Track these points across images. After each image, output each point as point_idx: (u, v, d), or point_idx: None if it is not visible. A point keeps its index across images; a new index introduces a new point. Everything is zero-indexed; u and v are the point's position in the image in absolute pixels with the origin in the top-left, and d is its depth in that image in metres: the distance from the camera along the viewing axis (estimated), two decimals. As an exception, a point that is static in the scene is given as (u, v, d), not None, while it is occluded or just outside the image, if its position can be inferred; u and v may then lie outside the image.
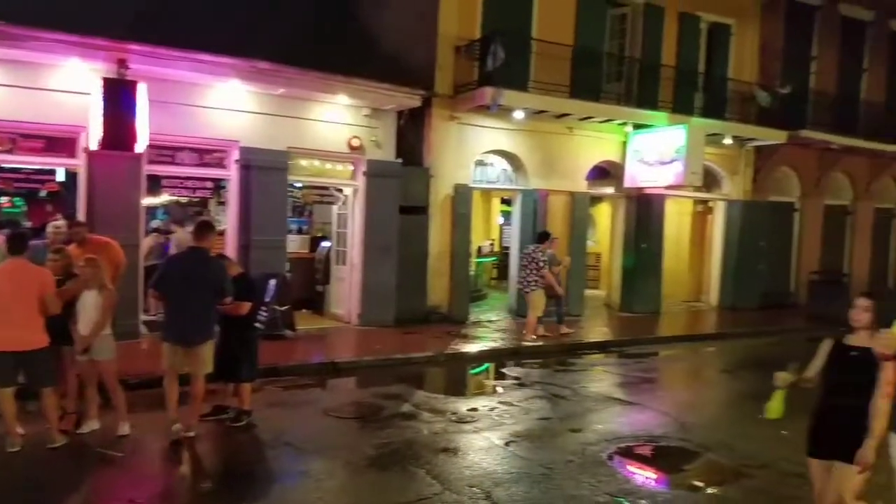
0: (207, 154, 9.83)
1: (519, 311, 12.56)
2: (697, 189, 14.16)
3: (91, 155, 8.53)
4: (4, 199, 12.33)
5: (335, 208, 11.63)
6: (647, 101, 13.11)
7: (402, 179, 11.10)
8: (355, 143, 10.67)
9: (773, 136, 14.37)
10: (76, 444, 5.52)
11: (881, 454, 3.78)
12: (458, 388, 8.84)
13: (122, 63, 8.13)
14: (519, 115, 11.70)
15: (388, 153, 11.07)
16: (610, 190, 14.30)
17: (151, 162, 9.20)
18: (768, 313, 14.59)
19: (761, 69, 15.12)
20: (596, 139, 13.25)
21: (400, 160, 11.16)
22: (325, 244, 11.98)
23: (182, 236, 10.17)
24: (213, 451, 5.88)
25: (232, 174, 9.91)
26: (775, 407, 3.94)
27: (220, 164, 9.95)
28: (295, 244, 12.12)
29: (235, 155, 9.78)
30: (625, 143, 13.45)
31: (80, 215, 8.48)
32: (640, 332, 11.98)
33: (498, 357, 9.75)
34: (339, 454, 5.66)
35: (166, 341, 5.81)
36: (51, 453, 5.29)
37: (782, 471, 5.47)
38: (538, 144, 12.55)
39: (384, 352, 9.34)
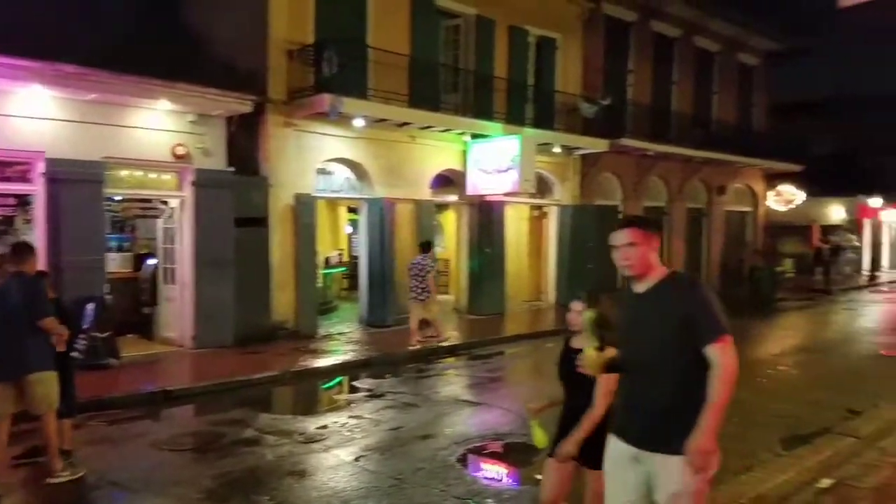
0: (7, 167, 8.75)
1: (370, 322, 12.43)
2: (532, 195, 14.89)
3: None
4: None
5: (160, 222, 10.77)
6: (484, 111, 13.55)
7: (236, 189, 10.54)
8: (180, 151, 9.97)
9: (597, 145, 15.44)
10: None
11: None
12: (306, 406, 8.50)
13: None
14: (359, 122, 11.57)
15: (218, 161, 10.47)
16: (454, 197, 14.60)
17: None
18: (601, 308, 15.58)
19: (585, 82, 16.19)
20: (438, 148, 13.47)
21: (233, 169, 10.60)
22: (151, 262, 11.04)
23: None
24: (27, 499, 5.15)
25: (38, 188, 8.86)
26: (539, 437, 3.71)
27: (23, 178, 8.89)
28: (115, 263, 11.06)
29: (41, 167, 8.77)
30: (465, 152, 13.81)
31: None
32: (486, 334, 12.30)
33: (349, 370, 9.53)
34: (172, 490, 5.18)
35: None
36: None
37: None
38: (381, 153, 12.51)
39: (223, 375, 8.76)
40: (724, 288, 19.60)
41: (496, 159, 13.31)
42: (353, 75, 11.17)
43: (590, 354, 3.01)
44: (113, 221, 11.62)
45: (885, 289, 22.44)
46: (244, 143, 10.92)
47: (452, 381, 9.32)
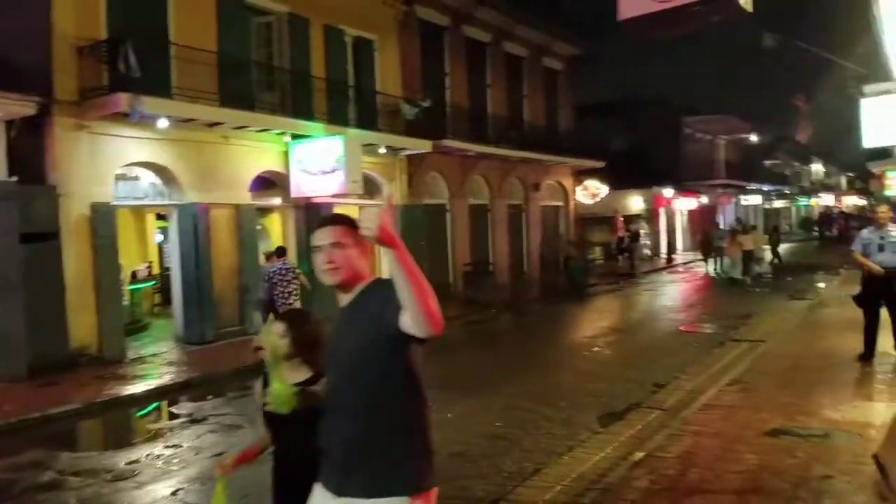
0: None
1: (187, 339, 11.54)
2: (360, 196, 14.70)
3: None
4: None
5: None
6: (303, 111, 13.15)
7: (20, 201, 9.27)
8: (-54, 160, 8.57)
9: (421, 146, 15.67)
10: None
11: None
12: (115, 440, 7.62)
13: None
14: (164, 123, 10.69)
15: (-3, 171, 9.15)
16: (277, 200, 14.03)
17: None
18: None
19: (404, 83, 16.36)
20: (256, 149, 12.84)
21: (15, 178, 9.31)
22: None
23: None
24: None
25: None
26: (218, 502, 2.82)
27: None
28: None
29: None
30: (286, 153, 13.31)
31: None
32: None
33: (166, 394, 8.72)
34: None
35: None
36: None
37: (449, 453, 5.75)
38: (191, 155, 11.66)
39: (14, 412, 7.63)
40: (543, 277, 20.85)
41: (320, 160, 12.98)
42: (154, 73, 10.30)
43: (276, 389, 2.55)
44: None
45: (680, 269, 25.14)
46: (28, 149, 9.65)
47: (283, 394, 8.87)
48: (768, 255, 23.97)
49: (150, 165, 11.32)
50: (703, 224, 31.92)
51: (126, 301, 11.87)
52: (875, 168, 27.95)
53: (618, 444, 5.64)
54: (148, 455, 6.34)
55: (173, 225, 11.92)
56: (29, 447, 6.63)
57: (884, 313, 7.68)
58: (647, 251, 28.00)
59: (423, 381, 2.25)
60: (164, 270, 15.57)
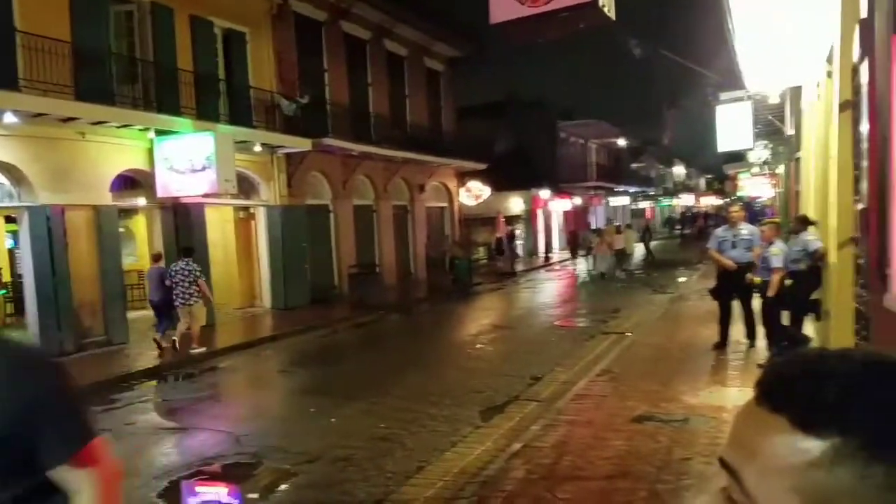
0: None
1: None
2: (235, 196, 14.13)
3: None
4: None
5: None
6: (169, 106, 12.45)
7: None
8: None
9: (300, 144, 15.26)
10: None
11: None
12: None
13: None
14: (10, 119, 9.75)
15: None
16: (142, 201, 13.18)
17: None
18: (317, 308, 15.52)
19: (280, 78, 15.87)
20: (117, 146, 11.99)
21: None
22: None
23: None
24: None
25: None
26: None
27: None
28: None
29: None
30: (151, 150, 12.52)
31: None
32: (171, 354, 11.29)
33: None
34: None
35: None
36: None
37: (331, 458, 5.68)
38: (44, 153, 10.70)
39: None
40: (430, 278, 21.01)
41: (189, 158, 12.30)
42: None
43: None
44: None
45: (556, 268, 26.20)
46: None
47: (152, 408, 8.34)
48: (639, 253, 25.55)
49: (-4, 163, 10.30)
50: (576, 224, 33.52)
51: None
52: (730, 171, 30.55)
53: (497, 437, 5.76)
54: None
55: (24, 229, 10.88)
56: None
57: (736, 305, 8.36)
58: (518, 252, 28.92)
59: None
60: (17, 277, 14.21)
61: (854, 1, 4.09)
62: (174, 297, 10.49)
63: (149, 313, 14.15)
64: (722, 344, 8.38)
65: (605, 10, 5.23)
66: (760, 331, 8.02)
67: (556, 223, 34.44)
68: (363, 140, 17.92)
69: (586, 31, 5.99)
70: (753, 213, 24.63)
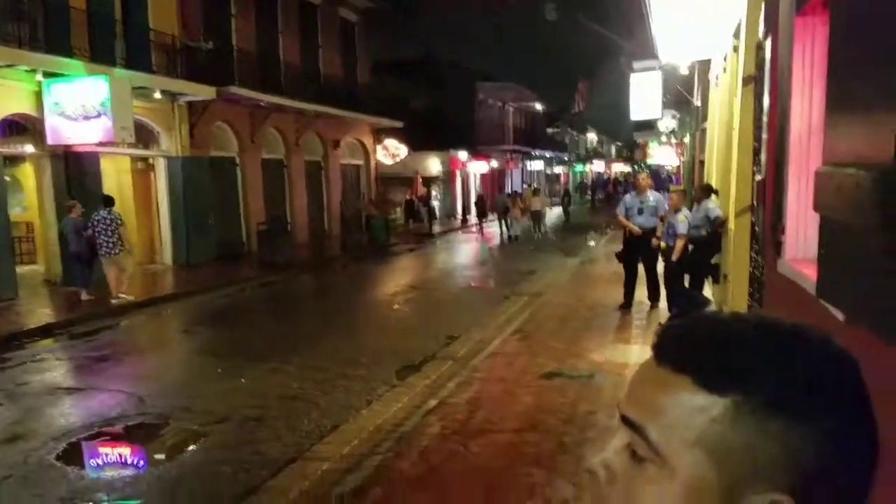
0: None
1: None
2: (132, 146, 13.36)
3: None
4: None
5: None
6: (59, 47, 11.47)
7: None
8: None
9: (203, 92, 14.47)
10: None
11: None
12: None
13: None
14: None
15: None
16: (29, 148, 12.22)
17: None
18: (224, 266, 15.03)
19: (182, 22, 14.90)
20: (1, 88, 11.01)
21: None
22: None
23: None
24: None
25: None
26: None
27: None
28: None
29: None
30: (40, 94, 11.59)
31: None
32: (90, 306, 10.75)
33: None
34: None
35: None
36: None
37: (241, 418, 5.59)
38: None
39: None
40: (345, 237, 20.77)
41: (82, 103, 11.51)
42: None
43: None
44: None
45: (473, 230, 26.49)
46: None
47: (48, 367, 7.87)
48: (554, 215, 26.21)
49: None
50: (493, 188, 33.90)
51: None
52: (639, 139, 31.67)
53: (413, 395, 5.83)
54: None
55: None
56: None
57: (641, 268, 8.78)
58: (436, 213, 28.91)
59: None
60: None
61: (763, -21, 4.26)
62: (98, 247, 10.40)
63: (38, 268, 13.41)
64: (627, 305, 8.80)
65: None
66: (663, 293, 8.46)
67: (474, 185, 34.72)
68: (273, 91, 17.21)
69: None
70: (660, 180, 25.71)
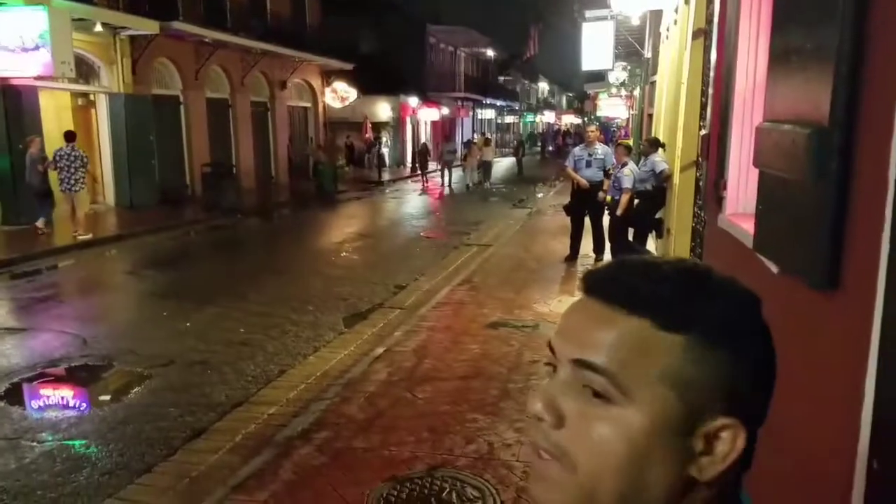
0: None
1: None
2: (72, 80, 12.72)
3: None
4: None
5: None
6: (-7, -29, 10.74)
7: None
8: None
9: (146, 26, 13.82)
10: None
11: None
12: None
13: None
14: None
15: None
16: (-39, 80, 11.50)
17: None
18: (168, 209, 14.61)
19: (127, -50, 14.11)
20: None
21: None
22: None
23: None
24: None
25: None
26: None
27: None
28: None
29: None
30: (-30, 22, 10.86)
31: None
32: (30, 247, 10.35)
33: None
34: None
35: None
36: None
37: (187, 362, 5.55)
38: None
39: None
40: (292, 182, 20.38)
41: (19, 34, 10.99)
42: None
43: None
44: None
45: (423, 179, 26.31)
46: None
47: (-16, 308, 7.63)
48: (504, 167, 26.16)
49: None
50: (443, 136, 33.58)
51: None
52: (590, 90, 31.67)
53: (360, 342, 5.89)
54: None
55: None
56: None
57: (587, 221, 8.92)
58: (385, 160, 28.50)
59: None
60: None
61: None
62: (60, 181, 10.57)
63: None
64: (572, 257, 8.98)
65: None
66: (608, 246, 8.64)
67: (424, 133, 34.35)
68: (217, 27, 16.50)
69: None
70: (609, 133, 25.95)
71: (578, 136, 40.00)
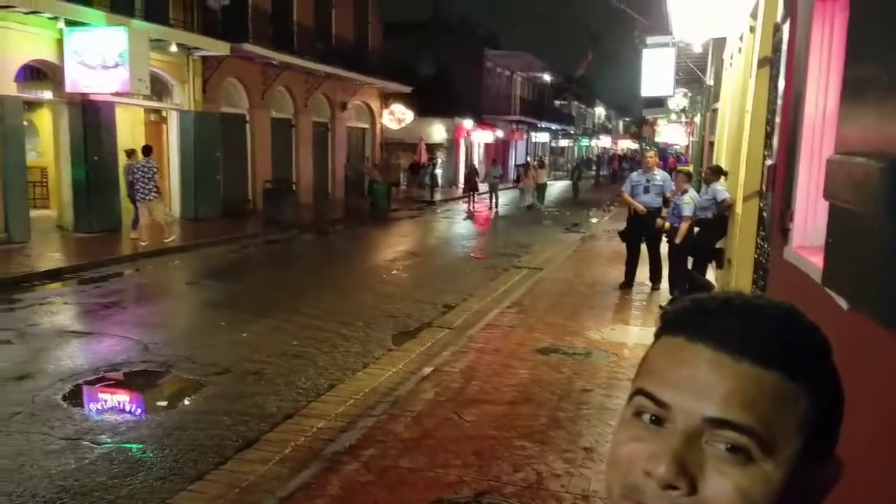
0: None
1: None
2: (147, 97, 13.34)
3: None
4: None
5: None
6: (81, -5, 11.44)
7: None
8: None
9: (217, 48, 14.41)
10: None
11: None
12: None
13: None
14: None
15: None
16: (48, 94, 12.23)
17: None
18: (230, 222, 15.07)
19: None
20: (22, 34, 11.05)
21: None
22: None
23: None
24: None
25: None
26: None
27: None
28: None
29: None
30: (61, 42, 11.58)
31: None
32: (100, 254, 10.84)
33: None
34: None
35: None
36: None
37: (242, 371, 5.68)
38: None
39: None
40: (347, 200, 20.74)
41: (101, 53, 11.56)
42: None
43: None
44: None
45: (475, 200, 26.37)
46: None
47: (57, 311, 7.98)
48: (558, 190, 26.07)
49: None
50: (497, 158, 33.58)
51: None
52: (649, 116, 31.33)
53: (408, 361, 5.91)
54: None
55: None
56: None
57: (644, 248, 8.75)
58: (438, 180, 28.60)
59: None
60: None
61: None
62: (134, 192, 11.36)
63: (51, 213, 13.63)
64: (628, 284, 8.80)
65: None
66: (665, 274, 8.44)
67: (478, 154, 34.51)
68: (285, 49, 17.07)
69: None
70: (667, 159, 25.53)
71: (634, 160, 39.43)
